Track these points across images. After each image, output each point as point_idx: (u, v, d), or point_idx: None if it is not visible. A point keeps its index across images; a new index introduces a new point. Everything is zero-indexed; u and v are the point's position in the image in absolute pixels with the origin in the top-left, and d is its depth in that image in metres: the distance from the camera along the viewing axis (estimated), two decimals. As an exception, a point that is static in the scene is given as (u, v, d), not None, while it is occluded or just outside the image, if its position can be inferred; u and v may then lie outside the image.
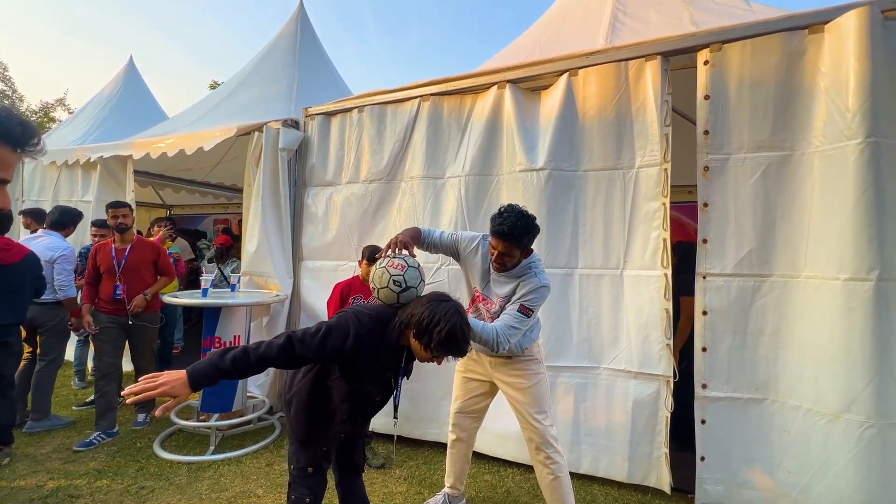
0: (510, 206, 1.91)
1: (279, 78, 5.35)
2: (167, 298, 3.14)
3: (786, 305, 2.33)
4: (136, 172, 4.75)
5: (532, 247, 2.02)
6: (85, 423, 3.35)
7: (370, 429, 3.02)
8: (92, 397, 3.79)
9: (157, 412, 1.36)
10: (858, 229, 2.08)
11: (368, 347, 1.54)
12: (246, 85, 5.41)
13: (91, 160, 4.72)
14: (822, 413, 2.19)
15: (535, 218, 1.92)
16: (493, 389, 2.24)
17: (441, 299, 1.57)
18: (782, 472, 2.30)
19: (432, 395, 3.04)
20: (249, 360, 1.41)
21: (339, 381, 1.62)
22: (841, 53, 2.15)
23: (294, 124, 3.77)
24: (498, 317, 2.04)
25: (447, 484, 2.36)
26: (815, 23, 2.25)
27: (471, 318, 1.91)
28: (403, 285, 1.61)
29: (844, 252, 2.12)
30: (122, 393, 1.38)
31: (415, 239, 2.07)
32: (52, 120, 17.46)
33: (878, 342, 2.05)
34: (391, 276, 1.62)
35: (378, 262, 1.70)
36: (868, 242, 2.07)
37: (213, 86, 15.84)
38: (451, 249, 2.13)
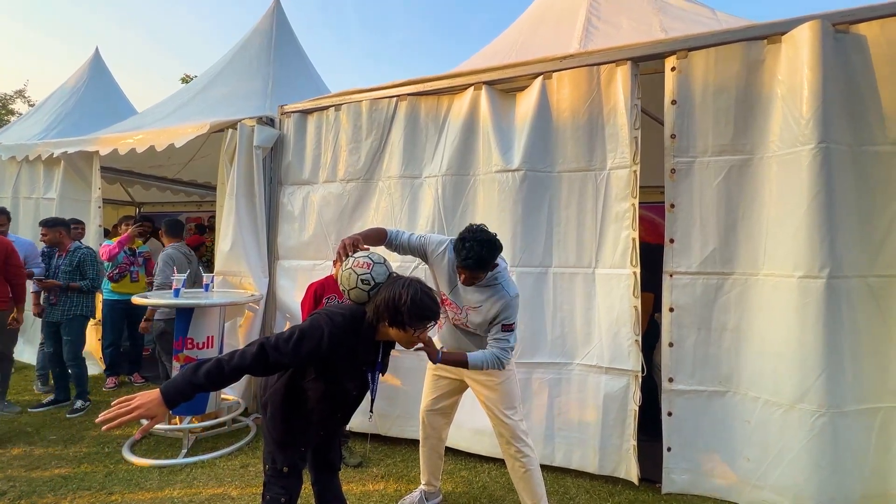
0: (471, 233, 1.88)
1: (254, 75, 5.25)
2: (136, 299, 3.06)
3: (747, 302, 2.45)
4: (102, 169, 4.59)
5: (503, 251, 2.05)
6: (44, 428, 3.23)
7: (347, 428, 3.02)
8: (48, 398, 3.69)
9: (137, 435, 1.35)
10: (811, 230, 2.21)
11: (345, 346, 1.54)
12: (219, 81, 5.30)
13: (54, 156, 4.54)
14: (779, 404, 2.31)
15: (495, 236, 1.91)
16: (462, 387, 2.29)
17: (395, 279, 1.61)
18: (743, 460, 2.43)
19: (409, 394, 3.06)
20: (224, 373, 1.40)
21: (314, 382, 1.61)
22: (796, 63, 2.27)
23: (269, 122, 3.72)
24: (464, 321, 2.08)
25: (423, 481, 2.39)
26: (773, 33, 2.37)
27: (471, 355, 1.96)
28: (372, 282, 1.62)
29: (799, 251, 2.24)
30: (97, 420, 1.36)
31: (380, 239, 2.08)
32: (11, 112, 16.60)
33: (829, 336, 2.19)
34: (358, 275, 1.63)
35: (342, 265, 1.69)
36: (820, 242, 2.20)
37: (186, 80, 15.32)
38: (418, 252, 2.14)
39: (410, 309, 1.51)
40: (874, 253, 2.24)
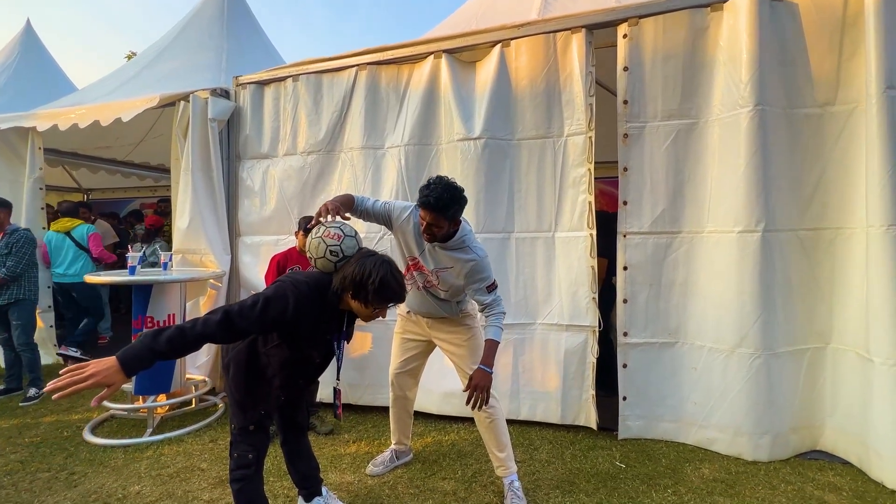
0: (438, 177, 1.93)
1: (206, 48, 5.01)
2: (89, 278, 2.93)
3: (693, 258, 2.61)
4: (44, 150, 4.29)
5: (463, 217, 2.06)
6: None
7: (317, 399, 3.05)
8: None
9: (93, 402, 1.25)
10: (749, 187, 2.38)
11: (309, 314, 1.55)
12: (168, 54, 5.02)
13: (-15, 134, 4.21)
14: (721, 350, 2.51)
15: (462, 189, 1.94)
16: (429, 348, 2.35)
17: (367, 254, 1.62)
18: (690, 404, 2.63)
19: (379, 363, 3.10)
20: (186, 339, 1.36)
21: (277, 348, 1.63)
22: (736, 29, 2.40)
23: (224, 94, 3.59)
24: (435, 284, 2.09)
25: (393, 441, 2.46)
26: (716, 1, 2.49)
27: (492, 336, 1.98)
28: (340, 255, 1.63)
29: (738, 207, 2.41)
30: (44, 389, 1.26)
31: (347, 205, 2.05)
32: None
33: (764, 284, 2.38)
34: (327, 246, 1.63)
35: (313, 232, 1.69)
36: (756, 198, 2.37)
37: (132, 58, 14.37)
38: (383, 218, 2.13)
39: (378, 289, 1.53)
40: (804, 208, 2.44)
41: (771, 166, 2.38)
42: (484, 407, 2.09)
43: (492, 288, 2.02)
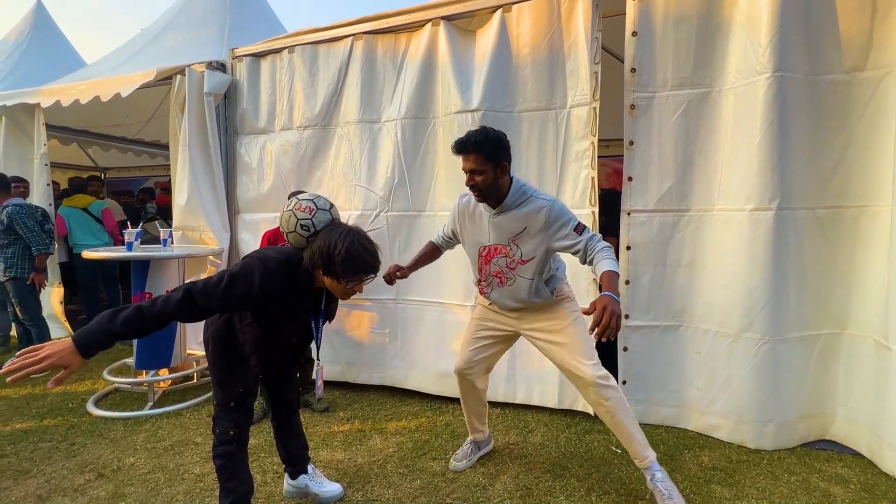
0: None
1: (209, 22, 4.91)
2: (87, 253, 2.95)
3: (700, 238, 2.47)
4: (56, 128, 4.33)
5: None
6: (3, 387, 3.20)
7: (313, 377, 3.05)
8: (8, 361, 3.66)
9: (50, 384, 1.24)
10: (763, 161, 2.21)
11: (279, 291, 1.49)
12: (172, 29, 4.95)
13: (-7, 110, 4.25)
14: (727, 334, 2.39)
15: (503, 133, 1.78)
16: (510, 342, 2.14)
17: (334, 226, 1.55)
18: (692, 389, 2.53)
19: (376, 341, 3.09)
20: (145, 319, 1.31)
21: (251, 326, 1.59)
22: (756, -13, 2.19)
23: (220, 67, 3.52)
24: (515, 259, 1.84)
25: (470, 432, 2.27)
26: (735, -44, 2.27)
27: (609, 268, 1.61)
28: (312, 229, 1.55)
29: (751, 183, 2.25)
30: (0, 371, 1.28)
31: (434, 255, 2.19)
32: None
33: (775, 267, 2.23)
34: (298, 219, 1.56)
35: (285, 205, 1.63)
36: (771, 173, 2.20)
37: (145, 36, 14.32)
38: (453, 234, 2.08)
39: (345, 260, 1.45)
40: (823, 184, 2.26)
41: (789, 138, 2.20)
42: (601, 401, 1.80)
43: (580, 228, 1.73)
